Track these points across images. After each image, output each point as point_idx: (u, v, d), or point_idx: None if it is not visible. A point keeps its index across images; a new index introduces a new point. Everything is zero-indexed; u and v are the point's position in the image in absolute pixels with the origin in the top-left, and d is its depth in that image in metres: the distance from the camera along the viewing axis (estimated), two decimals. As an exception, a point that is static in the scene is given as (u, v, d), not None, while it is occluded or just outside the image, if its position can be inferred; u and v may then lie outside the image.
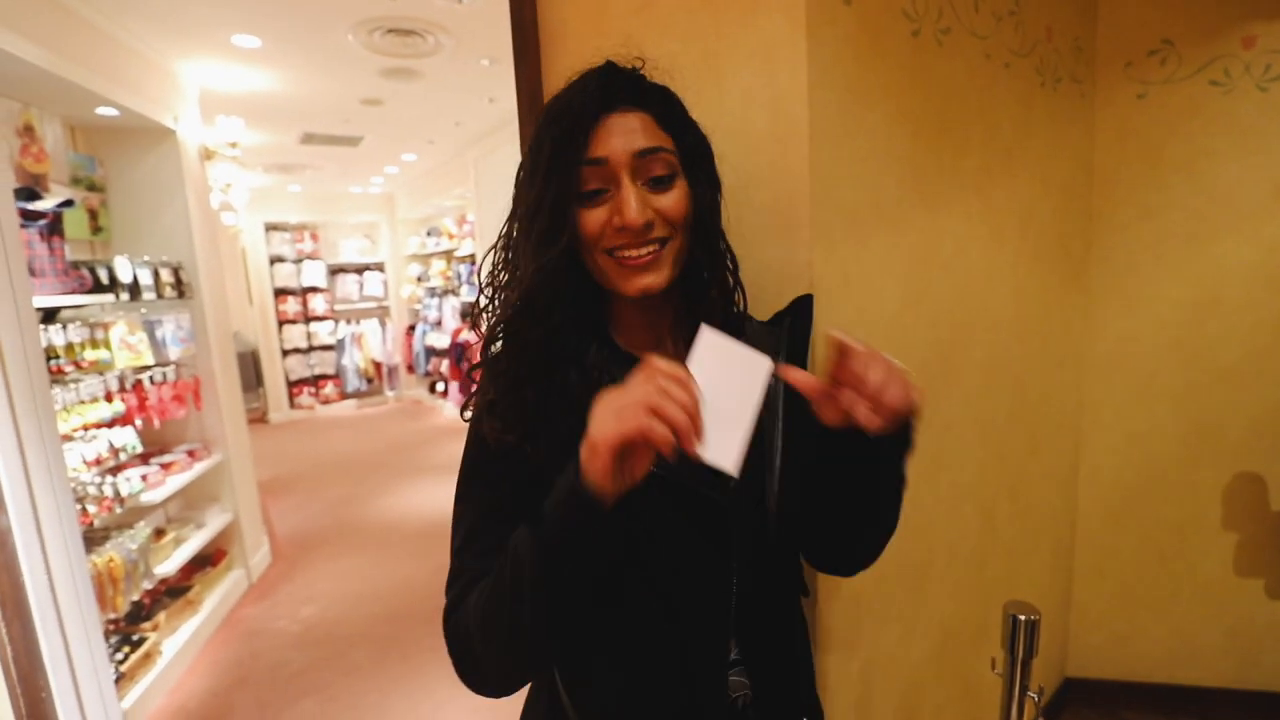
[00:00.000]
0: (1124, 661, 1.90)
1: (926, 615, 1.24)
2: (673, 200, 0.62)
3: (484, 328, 0.67)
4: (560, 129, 0.60)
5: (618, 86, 0.61)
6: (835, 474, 0.62)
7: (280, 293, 7.08)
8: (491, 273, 0.67)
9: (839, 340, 0.54)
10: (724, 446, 0.51)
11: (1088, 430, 1.81)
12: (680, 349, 0.66)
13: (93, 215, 2.66)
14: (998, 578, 1.46)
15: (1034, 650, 0.90)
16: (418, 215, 7.34)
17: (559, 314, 0.63)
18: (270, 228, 6.99)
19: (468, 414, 0.66)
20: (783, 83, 0.85)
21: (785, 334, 0.70)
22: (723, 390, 0.52)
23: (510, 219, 0.66)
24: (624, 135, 0.60)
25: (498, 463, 0.62)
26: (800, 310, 0.71)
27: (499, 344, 0.66)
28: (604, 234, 0.61)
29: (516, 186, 0.65)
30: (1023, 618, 0.87)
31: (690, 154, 0.64)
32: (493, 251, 0.68)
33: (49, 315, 2.17)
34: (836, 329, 0.56)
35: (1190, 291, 1.69)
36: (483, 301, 0.68)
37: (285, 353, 7.11)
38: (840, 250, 0.93)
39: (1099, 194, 1.70)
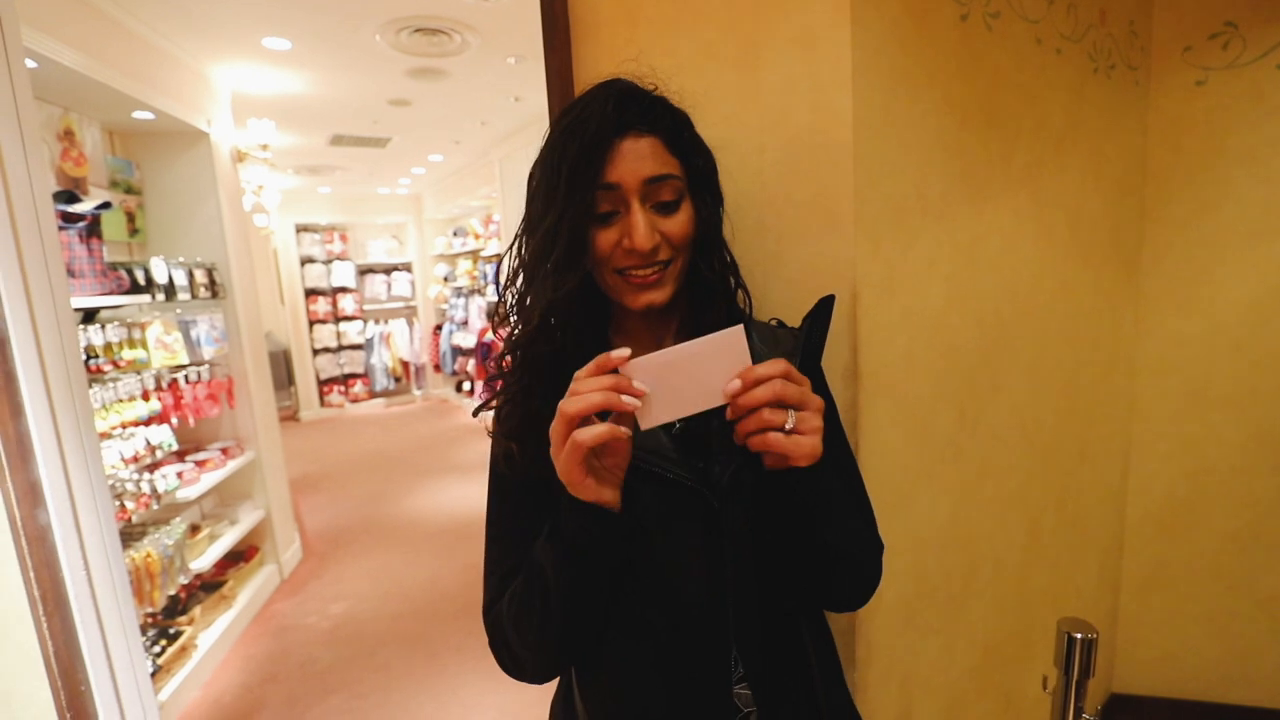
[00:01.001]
0: (1174, 680, 1.81)
1: (969, 628, 1.18)
2: (679, 224, 0.65)
3: (502, 341, 0.70)
4: (577, 151, 0.61)
5: (632, 110, 0.63)
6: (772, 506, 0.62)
7: (311, 293, 7.20)
8: (508, 283, 0.69)
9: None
10: (660, 411, 0.53)
11: (1139, 437, 1.73)
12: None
13: (130, 217, 2.72)
14: (1043, 590, 1.40)
15: (1090, 670, 0.85)
16: (444, 216, 7.41)
17: (571, 333, 0.66)
18: (301, 229, 7.12)
19: (479, 417, 0.71)
20: (825, 71, 0.81)
21: (802, 337, 0.69)
22: (701, 373, 0.53)
23: (526, 229, 0.68)
24: (635, 161, 0.62)
25: (516, 466, 0.66)
26: (819, 312, 0.70)
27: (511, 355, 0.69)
28: (614, 254, 0.64)
29: (530, 196, 0.67)
30: (1079, 636, 0.82)
31: (697, 176, 0.67)
32: (508, 255, 0.70)
33: (88, 316, 2.22)
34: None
35: (1251, 291, 1.60)
36: (502, 310, 0.70)
37: (316, 352, 7.24)
38: (885, 247, 0.88)
39: (1153, 187, 1.61)
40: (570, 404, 0.52)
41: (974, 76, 1.01)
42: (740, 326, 0.54)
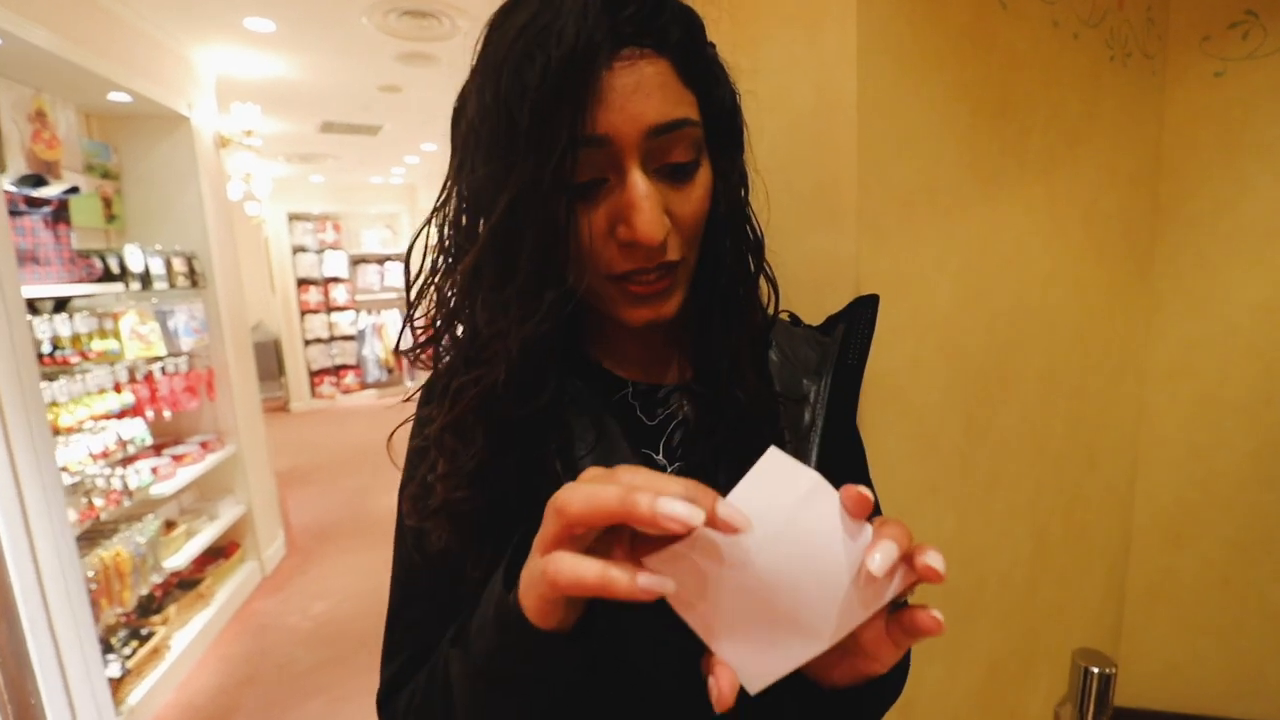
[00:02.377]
0: (1180, 693, 1.75)
1: (973, 648, 1.12)
2: (694, 200, 0.44)
3: (424, 385, 0.50)
4: (542, 78, 0.37)
5: (629, 12, 0.39)
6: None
7: (303, 282, 7.10)
8: (427, 288, 0.47)
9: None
10: (756, 651, 0.31)
11: (1146, 443, 1.66)
12: (686, 367, 0.53)
13: (107, 203, 2.62)
14: (1049, 604, 1.34)
15: (1108, 706, 0.78)
16: (438, 206, 7.31)
17: (555, 379, 0.44)
18: (293, 218, 7.01)
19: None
20: (829, 49, 0.73)
21: (836, 346, 0.54)
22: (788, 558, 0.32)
23: (460, 203, 0.45)
24: (635, 100, 0.39)
25: (430, 556, 0.47)
26: (859, 315, 0.54)
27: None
28: (604, 250, 0.43)
29: (462, 146, 0.44)
30: (1096, 670, 0.75)
31: (720, 119, 0.46)
32: (424, 233, 0.47)
33: (60, 304, 2.14)
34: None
35: (1268, 293, 1.53)
36: (409, 341, 0.48)
37: (307, 342, 7.15)
38: (891, 242, 0.81)
39: (1167, 182, 1.54)
40: (574, 499, 0.30)
41: (987, 59, 0.94)
42: (868, 527, 0.33)
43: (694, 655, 0.34)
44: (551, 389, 0.44)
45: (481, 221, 0.43)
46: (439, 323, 0.47)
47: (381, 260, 7.67)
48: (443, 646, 0.43)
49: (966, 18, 0.90)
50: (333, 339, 7.33)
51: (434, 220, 0.46)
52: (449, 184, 0.46)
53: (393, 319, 7.55)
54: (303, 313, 7.12)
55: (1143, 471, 1.68)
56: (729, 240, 0.48)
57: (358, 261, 7.54)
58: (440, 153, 5.75)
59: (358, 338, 7.39)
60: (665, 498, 0.28)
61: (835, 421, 0.52)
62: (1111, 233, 1.35)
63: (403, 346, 0.49)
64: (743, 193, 0.50)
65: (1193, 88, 1.49)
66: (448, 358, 0.48)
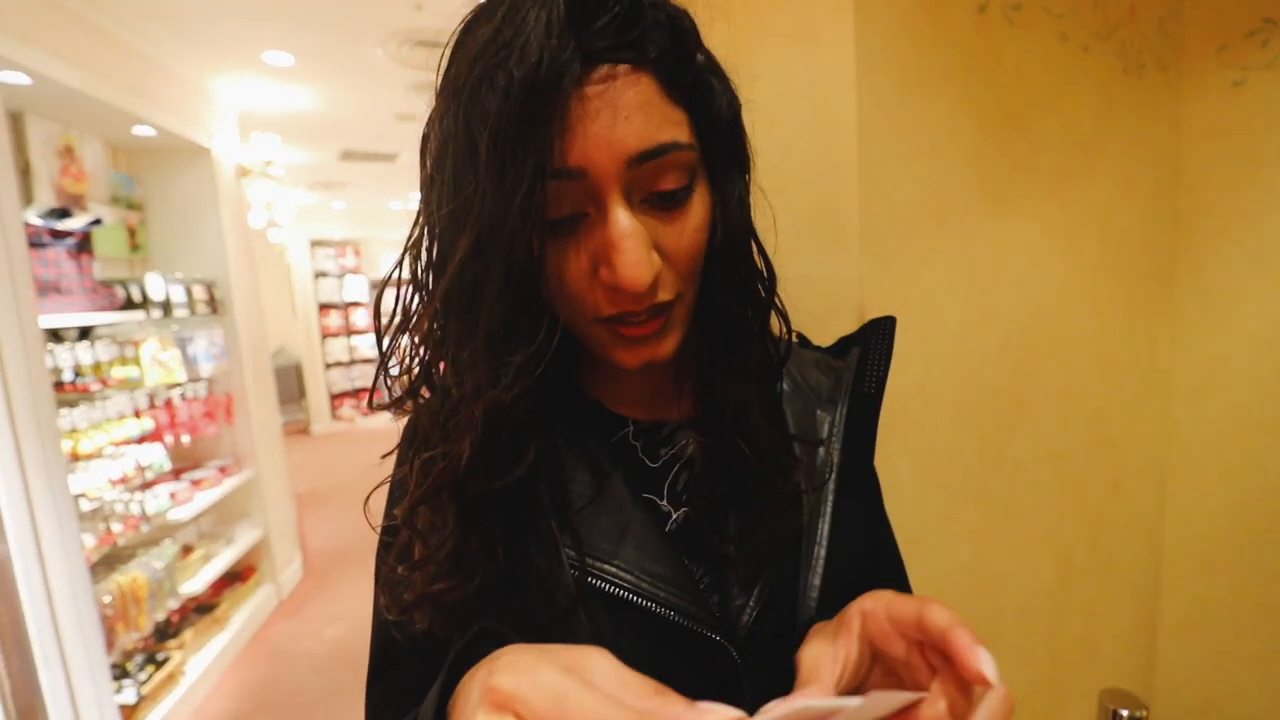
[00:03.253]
0: (1221, 728, 1.66)
1: (995, 683, 1.07)
2: (688, 231, 0.39)
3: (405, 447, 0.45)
4: (502, 103, 0.33)
5: (599, 21, 0.34)
6: None
7: (324, 307, 7.23)
8: (394, 335, 0.42)
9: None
10: None
11: (1175, 466, 1.60)
12: (692, 402, 0.47)
13: (131, 233, 2.69)
14: (1074, 637, 1.28)
15: (1139, 750, 0.73)
16: (456, 230, 7.42)
17: (536, 444, 0.39)
18: (315, 244, 7.16)
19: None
20: (826, 66, 0.72)
21: (851, 373, 0.50)
22: None
23: (427, 240, 0.40)
24: (612, 125, 0.34)
25: (415, 640, 0.43)
26: (875, 339, 0.50)
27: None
28: (587, 293, 0.38)
29: (428, 182, 0.39)
30: (1126, 713, 0.71)
31: (716, 135, 0.40)
32: (395, 276, 0.42)
33: (84, 333, 2.19)
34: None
35: (1299, 306, 1.47)
36: (390, 390, 0.43)
37: (328, 366, 7.24)
38: (896, 263, 0.79)
39: (1187, 196, 1.50)
40: None
41: (994, 75, 0.92)
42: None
43: None
44: (531, 457, 0.39)
45: (451, 264, 0.37)
46: (414, 374, 0.42)
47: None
48: None
49: (971, 33, 0.88)
50: (353, 362, 7.43)
51: (405, 260, 0.42)
52: (419, 218, 0.41)
53: (411, 341, 7.63)
54: (324, 337, 7.23)
55: (1172, 495, 1.61)
56: (732, 272, 0.42)
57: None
58: (457, 178, 5.86)
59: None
60: None
61: (853, 457, 0.48)
62: (1130, 248, 1.31)
63: (375, 403, 0.43)
64: (748, 215, 0.44)
65: (1211, 98, 1.45)
66: (423, 414, 0.42)
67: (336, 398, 7.34)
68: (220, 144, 2.94)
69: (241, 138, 3.26)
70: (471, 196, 0.35)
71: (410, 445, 0.44)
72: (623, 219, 0.36)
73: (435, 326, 0.39)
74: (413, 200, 7.04)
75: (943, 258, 0.87)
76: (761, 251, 0.46)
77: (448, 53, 0.39)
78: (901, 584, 0.55)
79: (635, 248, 0.36)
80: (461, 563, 0.39)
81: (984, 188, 0.93)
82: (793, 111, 0.75)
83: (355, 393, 7.45)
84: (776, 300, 0.47)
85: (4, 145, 1.25)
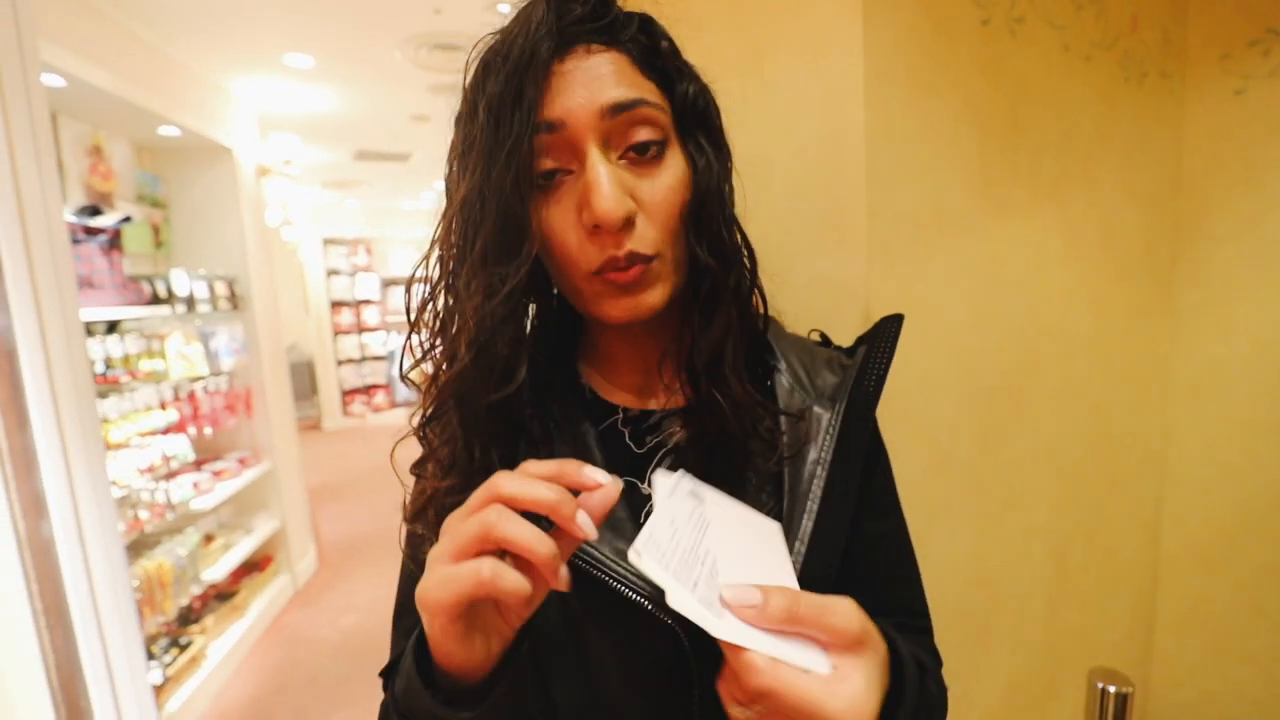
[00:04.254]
0: (1219, 722, 1.70)
1: (990, 673, 1.11)
2: (664, 186, 0.44)
3: (423, 384, 0.49)
4: (499, 84, 0.41)
5: (574, 14, 0.43)
6: None
7: (336, 304, 7.31)
8: (425, 302, 0.48)
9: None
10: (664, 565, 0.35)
11: (1174, 464, 1.63)
12: (676, 389, 0.50)
13: (155, 231, 2.77)
14: (1071, 629, 1.32)
15: (1126, 725, 0.78)
16: (466, 228, 7.48)
17: (526, 368, 0.45)
18: (327, 242, 7.25)
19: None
20: (836, 77, 0.77)
21: (855, 370, 0.51)
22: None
23: (443, 215, 0.47)
24: (586, 85, 0.42)
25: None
26: (881, 336, 0.52)
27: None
28: (576, 244, 0.43)
29: (446, 181, 0.47)
30: (1113, 690, 0.75)
31: (687, 107, 0.46)
32: (423, 268, 0.48)
33: (111, 326, 2.26)
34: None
35: (1298, 309, 1.50)
36: (415, 343, 0.49)
37: (340, 363, 7.33)
38: (900, 265, 0.83)
39: (1188, 201, 1.53)
40: (507, 483, 0.34)
41: (997, 84, 0.96)
42: (778, 528, 0.41)
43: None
44: (523, 377, 0.45)
45: (457, 214, 0.44)
46: (435, 340, 0.48)
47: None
48: (384, 701, 0.45)
49: (975, 44, 0.93)
50: (364, 359, 7.51)
51: (431, 249, 0.48)
52: (447, 200, 0.48)
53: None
54: (335, 334, 7.32)
55: (1171, 493, 1.64)
56: (706, 230, 0.46)
57: (389, 284, 7.74)
58: (468, 177, 5.92)
59: (388, 358, 7.56)
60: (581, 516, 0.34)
61: (850, 461, 0.48)
62: (1130, 251, 1.35)
63: (404, 370, 0.50)
64: (722, 184, 0.47)
65: (1212, 106, 1.48)
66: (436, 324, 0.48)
67: (348, 394, 7.42)
68: (241, 144, 3.01)
69: (260, 137, 3.33)
70: (473, 153, 0.43)
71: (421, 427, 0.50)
72: (598, 163, 0.42)
73: (445, 254, 0.46)
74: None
75: (945, 259, 0.91)
76: (740, 231, 0.50)
77: (470, 67, 0.46)
78: (903, 605, 0.55)
79: (608, 185, 0.41)
80: (460, 465, 0.46)
81: (986, 192, 0.97)
82: (804, 119, 0.80)
83: (366, 389, 7.54)
84: (753, 273, 0.51)
85: (47, 147, 1.32)
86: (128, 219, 2.10)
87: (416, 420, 0.49)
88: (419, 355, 0.49)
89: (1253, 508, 1.60)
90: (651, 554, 0.35)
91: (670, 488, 0.41)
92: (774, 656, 0.33)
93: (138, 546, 2.19)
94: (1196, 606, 1.67)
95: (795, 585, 0.38)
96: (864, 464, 0.50)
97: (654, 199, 0.44)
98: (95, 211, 2.07)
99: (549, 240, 0.44)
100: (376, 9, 2.33)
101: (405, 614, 0.55)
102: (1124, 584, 1.52)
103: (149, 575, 2.11)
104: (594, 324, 0.52)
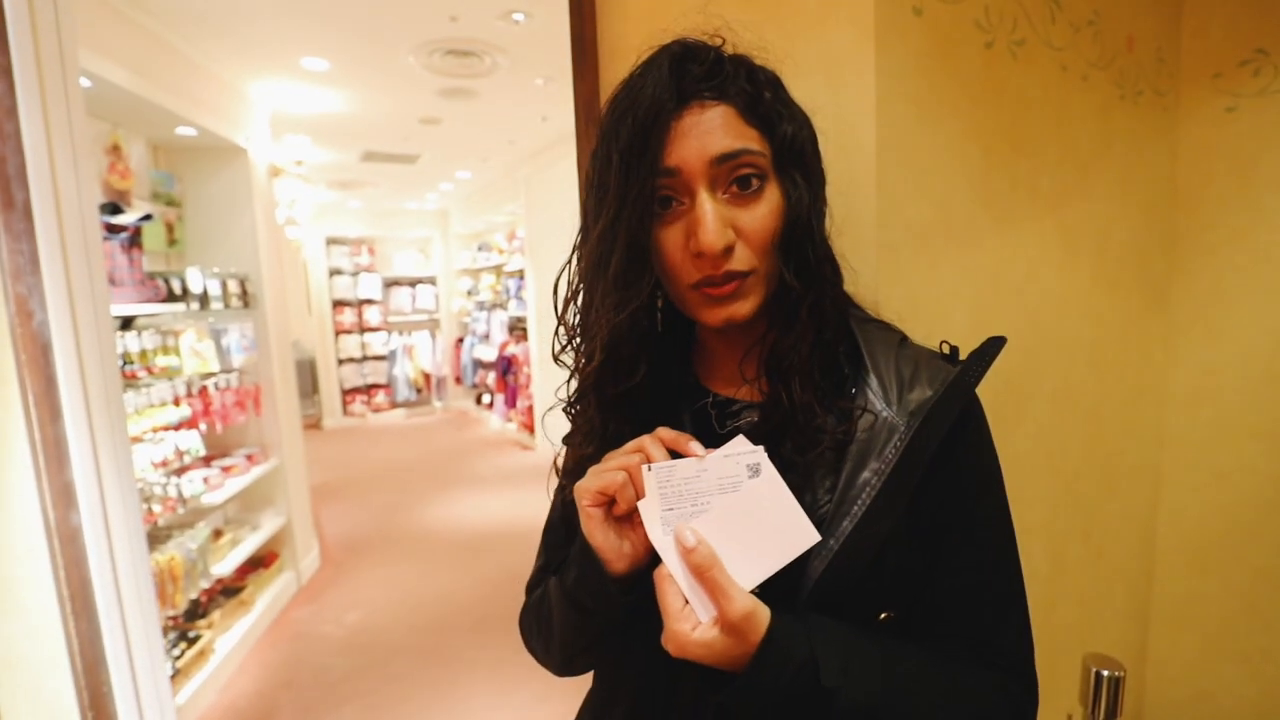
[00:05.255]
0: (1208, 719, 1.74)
1: (991, 661, 1.16)
2: (760, 217, 0.52)
3: (568, 373, 0.62)
4: (629, 132, 0.50)
5: (693, 73, 0.51)
6: None
7: (338, 304, 7.35)
8: (566, 302, 0.60)
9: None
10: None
11: (1169, 468, 1.68)
12: (762, 383, 0.57)
13: (169, 229, 2.81)
14: (1067, 626, 1.36)
15: (1117, 709, 0.82)
16: (469, 230, 7.54)
17: (644, 367, 0.56)
18: (330, 241, 7.29)
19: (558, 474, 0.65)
20: (849, 96, 0.82)
21: (951, 377, 0.54)
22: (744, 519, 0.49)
23: (581, 236, 0.58)
24: (700, 136, 0.50)
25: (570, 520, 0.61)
26: (977, 358, 0.55)
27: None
28: (683, 263, 0.53)
29: (584, 197, 0.60)
30: (1106, 673, 0.80)
31: (785, 148, 0.53)
32: (565, 269, 0.60)
33: (126, 322, 2.30)
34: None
35: (1287, 320, 1.56)
36: (560, 336, 0.61)
37: (340, 362, 7.37)
38: (907, 273, 0.88)
39: (1183, 214, 1.59)
40: (591, 480, 0.51)
41: (999, 104, 1.02)
42: (808, 538, 0.48)
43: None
44: (643, 374, 0.56)
45: (594, 240, 0.54)
46: (575, 333, 0.60)
47: (413, 283, 7.90)
48: (550, 575, 0.61)
49: (978, 66, 0.98)
50: (365, 359, 7.55)
51: (571, 257, 0.60)
52: (583, 221, 0.58)
53: (423, 340, 7.74)
54: (337, 333, 7.35)
55: (1165, 496, 1.69)
56: (795, 256, 0.54)
57: (390, 284, 7.78)
58: (473, 179, 5.97)
59: (389, 358, 7.59)
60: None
61: (909, 468, 0.50)
62: (1125, 262, 1.40)
63: (555, 353, 0.62)
64: (810, 214, 0.54)
65: (1205, 123, 1.54)
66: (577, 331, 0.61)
67: (348, 393, 7.46)
68: (256, 144, 3.05)
69: (273, 138, 3.38)
70: (607, 192, 0.52)
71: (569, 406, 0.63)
72: (705, 201, 0.51)
73: (582, 276, 0.57)
74: (429, 200, 7.16)
75: (950, 268, 0.96)
76: (828, 253, 0.58)
77: (604, 111, 0.55)
78: (965, 636, 0.54)
79: (713, 220, 0.50)
80: (596, 436, 0.59)
81: (988, 206, 1.02)
82: (820, 136, 0.84)
83: (367, 389, 7.57)
84: (838, 292, 0.59)
85: (84, 148, 1.36)
86: (149, 217, 2.14)
87: (564, 397, 0.62)
88: (564, 343, 0.61)
89: (1244, 511, 1.65)
90: (658, 472, 0.48)
91: (734, 451, 0.50)
92: (675, 580, 0.47)
93: (150, 540, 2.22)
94: (1190, 606, 1.72)
95: (754, 582, 0.47)
96: (940, 480, 0.52)
97: (751, 227, 0.52)
98: (116, 209, 2.12)
99: (662, 257, 0.54)
100: (394, 15, 2.38)
101: (551, 530, 0.69)
102: (1119, 583, 1.57)
103: (161, 568, 2.15)
104: (699, 324, 0.61)
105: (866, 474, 0.51)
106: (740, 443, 0.50)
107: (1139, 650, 1.74)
